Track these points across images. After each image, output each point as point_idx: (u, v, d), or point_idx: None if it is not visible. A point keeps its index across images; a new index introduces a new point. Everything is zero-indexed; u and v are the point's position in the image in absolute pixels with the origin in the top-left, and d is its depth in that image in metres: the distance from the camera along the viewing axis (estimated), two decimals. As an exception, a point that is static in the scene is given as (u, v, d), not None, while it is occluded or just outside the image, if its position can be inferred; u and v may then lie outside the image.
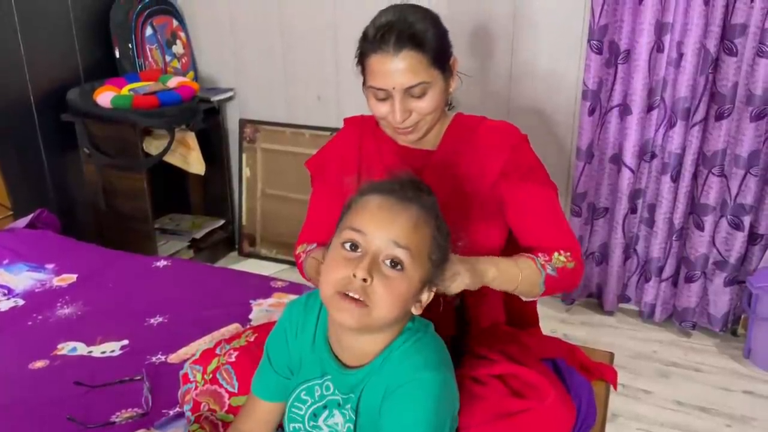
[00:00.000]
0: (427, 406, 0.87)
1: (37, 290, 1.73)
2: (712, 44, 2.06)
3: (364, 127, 1.32)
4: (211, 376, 1.15)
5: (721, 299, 2.31)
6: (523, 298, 1.24)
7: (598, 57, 2.19)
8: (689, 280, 2.33)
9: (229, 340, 1.22)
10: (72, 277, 1.79)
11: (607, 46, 2.20)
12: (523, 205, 1.23)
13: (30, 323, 1.57)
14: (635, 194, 2.35)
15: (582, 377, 1.37)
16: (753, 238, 2.25)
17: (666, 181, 2.26)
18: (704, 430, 1.91)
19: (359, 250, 0.87)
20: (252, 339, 1.20)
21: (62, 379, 1.33)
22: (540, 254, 1.18)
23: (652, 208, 2.35)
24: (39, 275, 1.80)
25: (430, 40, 1.14)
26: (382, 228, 0.87)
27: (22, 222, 2.12)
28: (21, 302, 1.67)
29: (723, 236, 2.26)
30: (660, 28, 2.13)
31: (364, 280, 0.85)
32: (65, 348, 1.46)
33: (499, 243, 1.27)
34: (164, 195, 2.89)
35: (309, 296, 1.01)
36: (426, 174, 1.22)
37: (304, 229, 1.37)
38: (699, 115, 2.14)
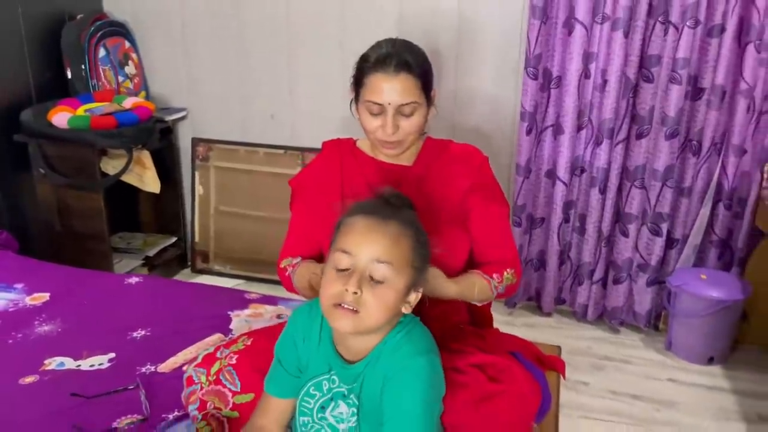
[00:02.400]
0: (421, 388, 1.03)
1: (10, 309, 1.75)
2: (631, 72, 2.33)
3: (342, 148, 1.47)
4: (215, 377, 1.25)
5: (644, 298, 2.58)
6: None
7: (533, 82, 2.42)
8: (616, 281, 2.59)
9: (227, 345, 1.32)
10: (45, 296, 1.82)
11: (541, 73, 2.44)
12: (484, 221, 1.42)
13: (11, 341, 1.60)
14: (568, 205, 2.60)
15: (538, 368, 1.55)
16: (670, 242, 2.53)
17: (595, 193, 2.51)
18: (637, 415, 2.14)
19: (349, 268, 1.01)
20: (249, 343, 1.31)
21: (57, 392, 1.38)
22: (494, 275, 1.38)
23: (583, 218, 2.59)
24: (9, 295, 1.82)
25: (422, 70, 1.34)
26: (366, 248, 1.01)
27: (-19, 243, 2.11)
28: (-4, 322, 1.69)
29: (645, 242, 2.54)
30: (587, 57, 2.38)
31: (355, 292, 0.99)
32: (53, 363, 1.51)
33: (467, 248, 1.43)
34: (114, 213, 2.90)
35: (311, 305, 1.14)
36: (403, 187, 1.38)
37: (287, 245, 1.48)
38: (622, 134, 2.41)
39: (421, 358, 1.04)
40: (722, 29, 2.23)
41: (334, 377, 1.08)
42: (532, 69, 2.40)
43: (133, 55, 2.83)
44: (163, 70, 2.92)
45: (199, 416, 1.23)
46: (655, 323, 2.65)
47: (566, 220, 2.62)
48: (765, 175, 2.30)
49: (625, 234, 2.52)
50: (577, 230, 2.63)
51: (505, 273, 1.40)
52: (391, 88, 1.29)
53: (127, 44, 2.80)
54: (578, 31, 2.33)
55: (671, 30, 2.25)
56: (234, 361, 1.26)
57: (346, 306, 1.00)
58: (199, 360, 1.30)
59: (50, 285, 1.87)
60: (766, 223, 2.33)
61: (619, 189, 2.50)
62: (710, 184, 2.44)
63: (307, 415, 1.10)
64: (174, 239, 3.02)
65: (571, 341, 2.56)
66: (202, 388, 1.25)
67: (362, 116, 1.35)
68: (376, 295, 1.00)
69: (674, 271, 2.52)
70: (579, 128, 2.49)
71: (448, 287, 1.27)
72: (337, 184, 1.42)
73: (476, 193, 1.41)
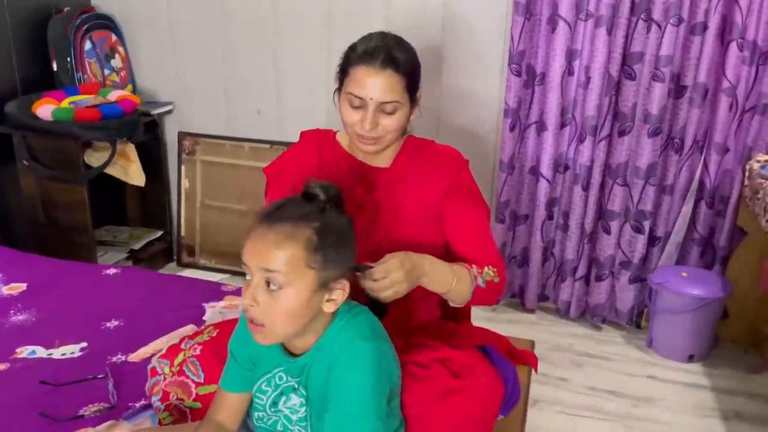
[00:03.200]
0: (365, 371, 1.01)
1: (-13, 299, 1.76)
2: (614, 69, 2.33)
3: (321, 139, 1.46)
4: (178, 368, 1.26)
5: (626, 296, 2.59)
6: (450, 303, 1.37)
7: (517, 79, 2.43)
8: (599, 279, 2.60)
9: (192, 336, 1.32)
10: (22, 286, 1.82)
11: (525, 69, 2.44)
12: (460, 223, 1.40)
13: (-15, 330, 1.61)
14: (551, 202, 2.60)
15: (508, 362, 1.56)
16: (652, 240, 2.54)
17: (578, 190, 2.51)
18: (615, 411, 2.15)
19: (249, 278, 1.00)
20: (214, 334, 1.32)
21: (26, 380, 1.39)
22: (473, 265, 1.34)
23: (566, 215, 2.60)
24: (-13, 285, 1.83)
25: (409, 69, 1.31)
26: (253, 258, 0.98)
27: (-38, 234, 2.11)
28: (-28, 312, 1.69)
29: (627, 239, 2.54)
30: (570, 54, 2.39)
31: (252, 304, 0.98)
32: (24, 351, 1.52)
33: (439, 252, 1.43)
34: (101, 206, 2.91)
35: None
36: (379, 188, 1.38)
37: None
38: (604, 132, 2.42)
39: (365, 342, 1.03)
40: (705, 27, 2.23)
41: (282, 373, 1.08)
42: (515, 66, 2.41)
43: (120, 49, 2.84)
44: (150, 63, 2.92)
45: (162, 407, 1.23)
46: (637, 321, 2.65)
47: (549, 217, 2.63)
48: (747, 174, 2.30)
49: (608, 231, 2.53)
50: (560, 227, 2.63)
51: (486, 268, 1.36)
52: (374, 84, 1.26)
53: (114, 37, 2.81)
54: (561, 28, 2.34)
55: (654, 27, 2.25)
56: (198, 353, 1.27)
57: (253, 321, 1.00)
58: (164, 351, 1.30)
59: (28, 275, 1.88)
60: (747, 221, 2.33)
61: (602, 186, 2.50)
62: (692, 182, 2.45)
63: (261, 411, 1.10)
64: (160, 233, 3.03)
65: (553, 337, 2.57)
66: (165, 379, 1.25)
67: (343, 107, 1.33)
68: (273, 305, 0.98)
69: (656, 268, 2.52)
70: (563, 125, 2.49)
71: (419, 277, 1.21)
72: (314, 175, 1.42)
73: (453, 197, 1.39)
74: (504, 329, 2.53)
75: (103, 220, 3.02)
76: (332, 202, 1.04)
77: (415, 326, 1.47)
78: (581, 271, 2.62)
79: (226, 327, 1.34)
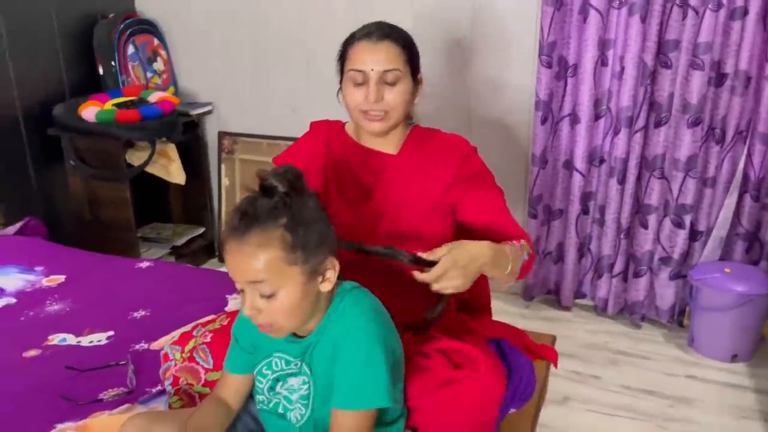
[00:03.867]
0: (369, 345, 1.03)
1: (27, 290, 1.86)
2: (649, 58, 2.26)
3: (330, 129, 1.49)
4: (188, 354, 1.30)
5: (666, 292, 2.50)
6: (502, 283, 1.34)
7: (548, 71, 2.38)
8: (637, 275, 2.52)
9: (204, 324, 1.37)
10: (60, 278, 1.92)
11: (556, 61, 2.39)
12: (477, 208, 1.39)
13: (22, 318, 1.71)
14: (587, 197, 2.54)
15: (524, 356, 1.54)
16: (694, 235, 2.44)
17: (613, 184, 2.44)
18: (649, 410, 2.08)
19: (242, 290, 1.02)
20: (225, 323, 1.36)
21: (54, 366, 1.47)
22: (513, 241, 1.32)
23: (602, 210, 2.53)
24: (29, 276, 1.94)
25: (406, 43, 1.36)
26: (237, 275, 1.00)
27: (12, 229, 2.25)
28: (13, 300, 1.80)
29: (667, 234, 2.45)
30: (603, 44, 2.33)
31: (253, 314, 1.01)
32: (56, 339, 1.60)
33: (446, 239, 1.42)
34: (146, 205, 3.03)
35: None
36: (386, 174, 1.39)
37: None
38: (640, 123, 2.34)
39: (366, 316, 1.06)
40: (745, 11, 2.13)
41: (284, 355, 1.10)
42: (546, 57, 2.36)
43: (162, 52, 2.95)
44: (191, 66, 3.02)
45: (172, 391, 1.28)
46: (679, 319, 2.55)
47: (585, 211, 2.57)
48: (794, 164, 2.19)
49: (645, 226, 2.44)
50: (597, 222, 2.57)
51: (522, 242, 1.34)
52: (374, 55, 1.30)
53: (156, 41, 2.92)
54: (593, 17, 2.28)
55: (690, 14, 2.17)
56: (209, 340, 1.31)
57: (260, 326, 1.03)
58: (176, 338, 1.35)
59: (68, 268, 1.98)
60: (795, 214, 2.21)
61: (638, 179, 2.42)
62: (735, 174, 2.34)
63: (261, 394, 1.13)
64: (202, 230, 3.12)
65: (588, 335, 2.51)
66: (176, 365, 1.30)
67: (346, 91, 1.35)
68: (272, 309, 1.00)
69: (697, 264, 2.42)
70: (597, 117, 2.43)
71: (479, 268, 1.18)
72: (320, 165, 1.43)
73: (463, 185, 1.38)
74: (538, 326, 2.52)
75: (149, 217, 3.14)
76: (293, 187, 1.00)
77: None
78: (618, 267, 2.54)
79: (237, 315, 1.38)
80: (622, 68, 2.31)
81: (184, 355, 1.30)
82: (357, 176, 1.43)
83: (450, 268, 1.13)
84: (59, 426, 1.27)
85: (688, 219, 2.40)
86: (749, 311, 2.24)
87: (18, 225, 2.26)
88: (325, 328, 1.07)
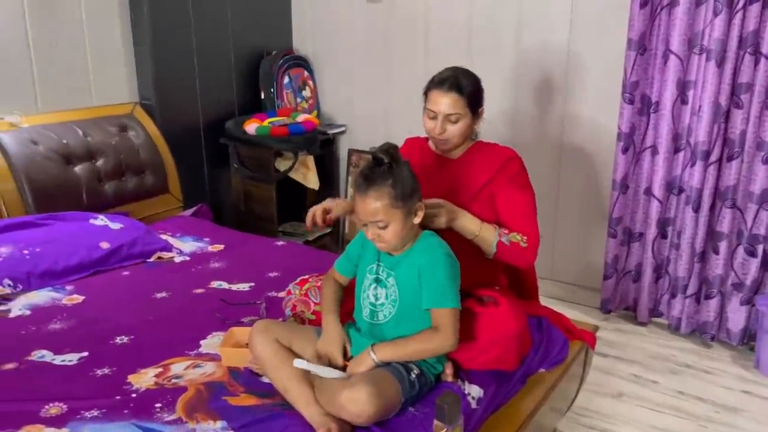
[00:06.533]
0: (447, 268, 1.52)
1: (198, 252, 2.52)
2: (723, 99, 2.51)
3: (417, 142, 1.98)
4: (304, 292, 1.84)
5: (737, 316, 2.67)
6: (484, 252, 1.75)
7: (629, 107, 2.70)
8: (708, 297, 2.72)
9: (317, 276, 1.90)
10: (220, 247, 2.57)
11: (639, 98, 2.71)
12: (503, 201, 1.81)
13: (193, 270, 2.35)
14: (665, 222, 2.79)
15: (560, 332, 1.91)
16: (766, 263, 2.61)
17: (689, 211, 2.69)
18: (695, 412, 2.29)
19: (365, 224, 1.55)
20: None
21: (213, 299, 2.08)
22: (504, 228, 1.76)
23: (679, 235, 2.77)
24: (199, 244, 2.60)
25: (468, 92, 1.78)
26: (363, 216, 1.51)
27: (189, 212, 2.97)
28: (188, 258, 2.46)
29: (740, 261, 2.64)
30: (683, 85, 2.61)
31: (374, 238, 1.53)
32: (215, 284, 2.22)
33: (487, 219, 1.83)
34: (287, 205, 3.68)
35: None
36: (448, 171, 1.85)
37: None
38: (714, 157, 2.58)
39: (445, 249, 1.56)
40: (817, 59, 2.33)
41: (381, 264, 1.59)
42: (628, 95, 2.69)
43: (310, 82, 3.62)
44: (331, 94, 3.67)
45: (290, 314, 1.83)
46: (751, 343, 2.70)
47: (663, 235, 2.82)
48: None
49: (716, 251, 2.65)
50: (674, 246, 2.80)
51: (515, 233, 1.75)
52: (442, 102, 1.76)
53: (306, 74, 3.60)
54: (673, 61, 2.58)
55: (762, 60, 2.41)
56: (318, 284, 1.84)
57: (378, 244, 1.55)
58: (297, 281, 1.90)
59: (226, 240, 2.63)
60: None
61: (712, 208, 2.65)
62: (808, 209, 2.50)
63: (362, 291, 1.62)
64: (329, 230, 3.72)
65: (657, 348, 2.74)
66: (295, 298, 1.85)
67: (424, 119, 1.83)
68: (386, 234, 1.50)
69: (767, 292, 2.58)
70: (676, 150, 2.70)
71: (456, 217, 1.70)
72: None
73: (499, 182, 1.80)
74: (612, 336, 2.80)
75: (289, 216, 3.79)
76: (393, 158, 1.49)
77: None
78: (692, 289, 2.75)
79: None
80: (699, 107, 2.58)
81: (301, 292, 1.85)
82: (426, 170, 1.90)
83: (442, 206, 1.66)
84: (214, 333, 1.85)
85: (760, 248, 2.58)
86: (812, 337, 2.38)
87: (193, 209, 2.98)
88: (410, 253, 1.55)
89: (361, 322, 1.63)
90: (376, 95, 3.51)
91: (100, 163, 2.71)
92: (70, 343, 1.80)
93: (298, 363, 1.47)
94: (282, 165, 3.32)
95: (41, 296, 2.09)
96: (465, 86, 1.77)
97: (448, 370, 1.59)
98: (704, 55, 2.54)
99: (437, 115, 1.78)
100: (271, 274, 2.29)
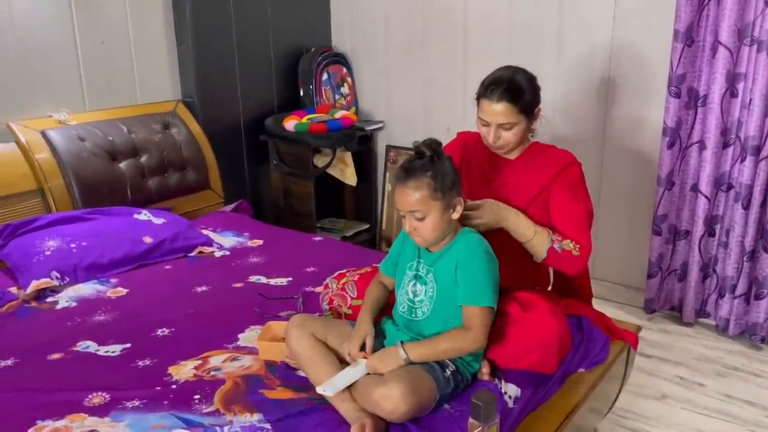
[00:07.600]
0: (484, 265, 1.51)
1: (237, 247, 2.56)
2: (775, 91, 2.41)
3: (469, 137, 1.95)
4: (341, 286, 1.84)
5: (790, 318, 2.57)
6: (534, 257, 1.72)
7: (676, 100, 2.62)
8: (758, 297, 2.62)
9: (354, 270, 1.90)
10: (260, 242, 2.60)
11: (685, 92, 2.62)
12: (558, 208, 1.76)
13: (233, 264, 2.38)
14: (712, 219, 2.70)
15: (600, 332, 1.86)
16: (821, 263, 2.50)
17: (738, 208, 2.59)
18: (743, 416, 2.22)
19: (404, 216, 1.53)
20: (369, 270, 1.88)
21: (251, 293, 2.11)
22: (557, 234, 1.71)
23: (728, 233, 2.67)
24: (239, 239, 2.64)
25: (522, 96, 1.73)
26: (402, 206, 1.50)
27: (229, 207, 3.01)
28: (227, 253, 2.50)
29: (793, 261, 2.54)
30: (732, 78, 2.52)
31: (410, 231, 1.52)
32: (253, 278, 2.24)
33: (546, 223, 1.80)
34: (325, 201, 3.71)
35: None
36: (504, 171, 1.82)
37: None
38: (765, 152, 2.48)
39: (483, 245, 1.54)
40: None
41: (421, 261, 1.58)
42: (674, 88, 2.61)
43: (348, 79, 3.63)
44: (370, 91, 3.67)
45: (327, 308, 1.83)
46: (805, 346, 2.60)
47: (710, 233, 2.73)
48: None
49: (767, 250, 2.55)
50: (722, 244, 2.71)
51: (568, 240, 1.70)
52: (493, 112, 1.72)
53: (344, 70, 3.61)
54: (722, 53, 2.49)
55: (819, 50, 2.30)
56: (356, 278, 1.84)
57: (414, 237, 1.54)
58: (335, 275, 1.90)
59: (265, 236, 2.66)
60: None
61: (763, 205, 2.55)
62: None
63: (403, 288, 1.61)
64: (367, 226, 3.73)
65: (704, 350, 2.66)
66: (332, 292, 1.85)
67: (478, 125, 1.81)
68: (422, 227, 1.49)
69: (821, 292, 2.48)
70: (725, 145, 2.61)
71: (505, 218, 1.68)
72: (458, 156, 1.88)
73: (557, 187, 1.75)
74: (656, 337, 2.74)
75: (326, 212, 3.82)
76: (435, 152, 1.48)
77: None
78: (741, 289, 2.66)
79: (374, 270, 1.89)
80: (750, 100, 2.48)
81: (338, 286, 1.85)
82: (483, 169, 1.87)
83: (488, 205, 1.65)
84: (252, 326, 1.87)
85: (815, 247, 2.47)
86: None
87: (234, 204, 3.02)
88: (449, 249, 1.54)
89: (398, 317, 1.62)
90: (414, 92, 3.50)
91: (143, 159, 2.77)
92: (114, 334, 1.85)
93: (320, 389, 1.45)
94: (320, 161, 3.34)
95: (87, 289, 2.15)
96: (517, 93, 1.72)
97: (485, 369, 1.57)
98: (755, 47, 2.45)
99: (490, 124, 1.75)
100: (309, 269, 2.30)
